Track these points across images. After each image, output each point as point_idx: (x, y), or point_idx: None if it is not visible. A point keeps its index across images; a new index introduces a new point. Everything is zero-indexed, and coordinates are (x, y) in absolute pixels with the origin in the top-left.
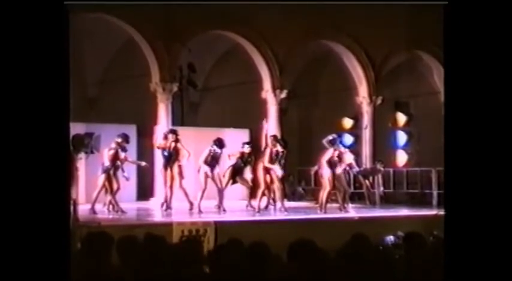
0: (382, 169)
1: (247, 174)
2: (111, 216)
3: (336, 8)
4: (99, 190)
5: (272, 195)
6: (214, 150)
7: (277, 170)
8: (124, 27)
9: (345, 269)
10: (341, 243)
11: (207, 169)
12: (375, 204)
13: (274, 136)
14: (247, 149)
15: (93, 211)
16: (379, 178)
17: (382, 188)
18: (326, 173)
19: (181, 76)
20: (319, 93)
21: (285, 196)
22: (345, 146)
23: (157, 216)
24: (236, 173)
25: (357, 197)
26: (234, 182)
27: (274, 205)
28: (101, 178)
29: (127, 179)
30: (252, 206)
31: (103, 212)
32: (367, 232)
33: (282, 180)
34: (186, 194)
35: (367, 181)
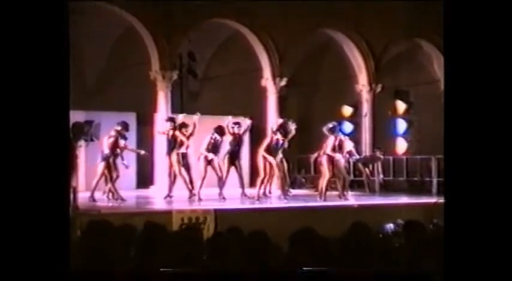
0: (381, 156)
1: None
2: (110, 204)
3: None
4: (98, 177)
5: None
6: (216, 138)
7: (277, 159)
8: (124, 16)
9: (345, 257)
10: (341, 231)
11: (207, 156)
12: (375, 192)
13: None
14: (237, 129)
15: (92, 198)
16: (378, 166)
17: (381, 176)
18: (325, 160)
19: (181, 64)
20: (319, 82)
21: (290, 184)
22: (344, 134)
23: (157, 204)
24: (234, 157)
25: (356, 185)
26: (233, 166)
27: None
28: (101, 165)
29: (126, 167)
30: (246, 195)
31: (103, 200)
32: (366, 219)
33: (282, 168)
34: (185, 181)
35: (366, 169)
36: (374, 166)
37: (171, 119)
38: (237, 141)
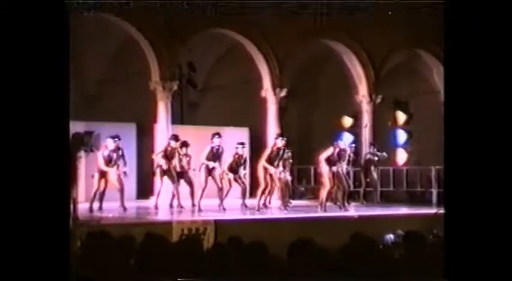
0: (377, 152)
1: (242, 171)
2: (110, 215)
3: (336, 6)
4: (96, 188)
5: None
6: (215, 146)
7: (277, 169)
8: (124, 26)
9: (345, 268)
10: (341, 242)
11: (208, 165)
12: (374, 202)
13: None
14: (240, 150)
15: (98, 208)
16: (377, 165)
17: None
18: (326, 171)
19: (181, 75)
20: (319, 92)
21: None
22: (350, 144)
23: (157, 215)
24: (233, 174)
25: (356, 196)
26: (234, 179)
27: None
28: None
29: (125, 174)
30: (246, 206)
31: (102, 210)
32: (367, 230)
33: (283, 179)
34: (178, 197)
35: (368, 179)
36: (372, 171)
37: (175, 138)
38: (239, 161)
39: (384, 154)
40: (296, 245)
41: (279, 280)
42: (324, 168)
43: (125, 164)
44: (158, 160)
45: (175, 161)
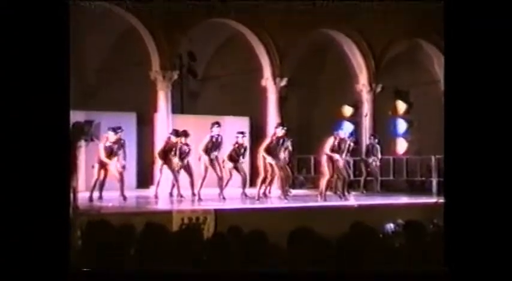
0: (377, 145)
1: (243, 162)
2: (110, 204)
3: None
4: (96, 178)
5: (270, 183)
6: (215, 135)
7: (278, 159)
8: (124, 15)
9: (345, 258)
10: (341, 231)
11: (207, 156)
12: (374, 191)
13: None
14: (241, 139)
15: (91, 198)
16: (378, 153)
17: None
18: (325, 160)
19: (181, 64)
20: (319, 81)
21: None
22: (350, 134)
23: (157, 204)
24: (235, 162)
25: (356, 185)
26: (234, 169)
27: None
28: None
29: (124, 168)
30: (246, 195)
31: (102, 200)
32: (366, 219)
33: (284, 168)
34: (178, 187)
35: (368, 167)
36: (372, 161)
37: (176, 132)
38: (240, 150)
39: (377, 160)
40: (296, 234)
41: (279, 269)
42: (325, 157)
43: (124, 157)
44: (158, 155)
45: (173, 153)
